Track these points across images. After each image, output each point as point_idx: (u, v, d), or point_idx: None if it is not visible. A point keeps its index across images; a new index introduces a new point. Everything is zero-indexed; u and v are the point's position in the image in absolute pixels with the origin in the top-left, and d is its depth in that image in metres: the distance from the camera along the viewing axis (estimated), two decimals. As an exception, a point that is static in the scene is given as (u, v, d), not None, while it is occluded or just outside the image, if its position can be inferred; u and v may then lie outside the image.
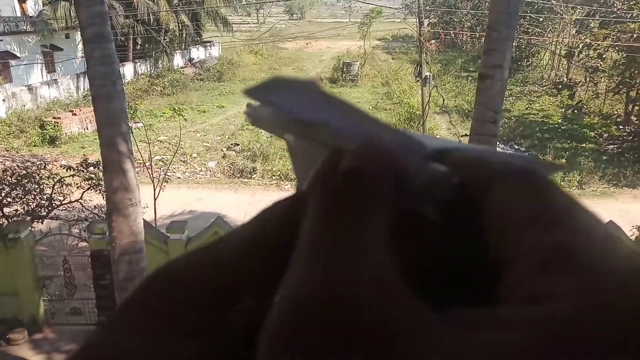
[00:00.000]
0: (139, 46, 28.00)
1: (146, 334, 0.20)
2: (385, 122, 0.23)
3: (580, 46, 23.33)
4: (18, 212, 8.99)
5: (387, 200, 0.20)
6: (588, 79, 22.85)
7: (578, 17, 25.05)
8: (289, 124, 0.24)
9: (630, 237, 7.81)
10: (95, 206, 9.45)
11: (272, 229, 0.22)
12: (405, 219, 0.21)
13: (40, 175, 9.47)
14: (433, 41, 27.06)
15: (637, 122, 19.44)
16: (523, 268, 0.17)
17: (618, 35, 20.05)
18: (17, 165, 10.36)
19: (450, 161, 0.22)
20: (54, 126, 18.50)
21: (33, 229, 8.38)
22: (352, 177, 0.20)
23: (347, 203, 0.19)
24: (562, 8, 25.51)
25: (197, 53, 33.00)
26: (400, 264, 0.18)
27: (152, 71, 27.74)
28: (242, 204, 12.40)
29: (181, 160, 16.48)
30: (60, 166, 9.76)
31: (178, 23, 27.73)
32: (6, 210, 8.98)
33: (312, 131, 0.23)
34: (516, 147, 18.54)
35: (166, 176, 10.86)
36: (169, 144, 15.53)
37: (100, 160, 5.83)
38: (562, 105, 22.20)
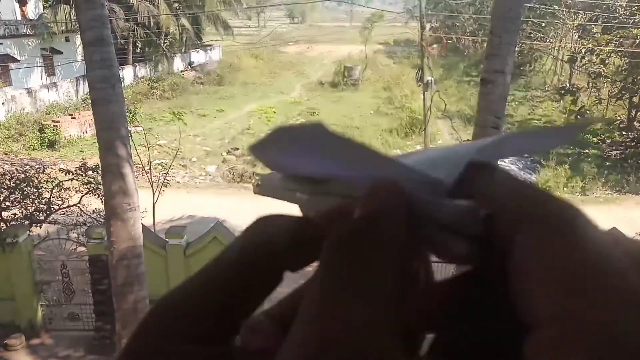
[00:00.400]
0: (138, 49, 27.97)
1: None
2: (400, 160, 0.22)
3: (583, 51, 23.31)
4: (16, 216, 8.96)
5: (399, 248, 0.20)
6: (591, 84, 22.79)
7: (580, 23, 24.98)
8: (299, 185, 0.24)
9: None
10: (93, 210, 9.41)
11: (274, 247, 0.22)
12: (424, 256, 0.21)
13: (39, 179, 9.43)
14: (435, 46, 26.99)
15: None
16: (543, 341, 0.17)
17: (621, 40, 20.01)
18: (16, 169, 10.34)
19: (479, 193, 0.21)
20: (53, 130, 18.47)
21: (31, 233, 8.31)
22: (361, 230, 0.20)
23: (356, 260, 0.19)
24: (564, 13, 25.47)
25: (198, 57, 32.95)
26: (411, 305, 0.18)
27: (152, 75, 27.72)
28: (242, 208, 12.30)
29: (180, 165, 16.40)
30: (59, 170, 9.70)
31: (178, 26, 27.70)
32: (4, 214, 8.93)
33: (324, 187, 0.23)
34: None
35: (165, 180, 10.79)
36: (169, 148, 15.48)
37: (99, 164, 5.77)
38: (565, 110, 22.17)
